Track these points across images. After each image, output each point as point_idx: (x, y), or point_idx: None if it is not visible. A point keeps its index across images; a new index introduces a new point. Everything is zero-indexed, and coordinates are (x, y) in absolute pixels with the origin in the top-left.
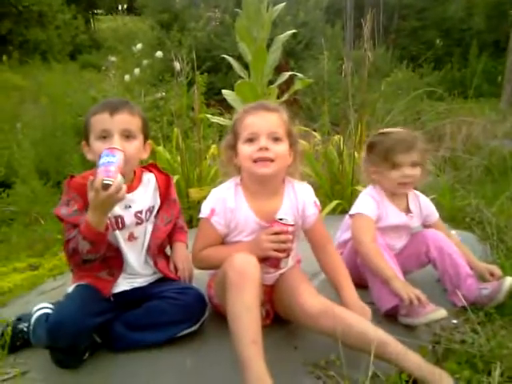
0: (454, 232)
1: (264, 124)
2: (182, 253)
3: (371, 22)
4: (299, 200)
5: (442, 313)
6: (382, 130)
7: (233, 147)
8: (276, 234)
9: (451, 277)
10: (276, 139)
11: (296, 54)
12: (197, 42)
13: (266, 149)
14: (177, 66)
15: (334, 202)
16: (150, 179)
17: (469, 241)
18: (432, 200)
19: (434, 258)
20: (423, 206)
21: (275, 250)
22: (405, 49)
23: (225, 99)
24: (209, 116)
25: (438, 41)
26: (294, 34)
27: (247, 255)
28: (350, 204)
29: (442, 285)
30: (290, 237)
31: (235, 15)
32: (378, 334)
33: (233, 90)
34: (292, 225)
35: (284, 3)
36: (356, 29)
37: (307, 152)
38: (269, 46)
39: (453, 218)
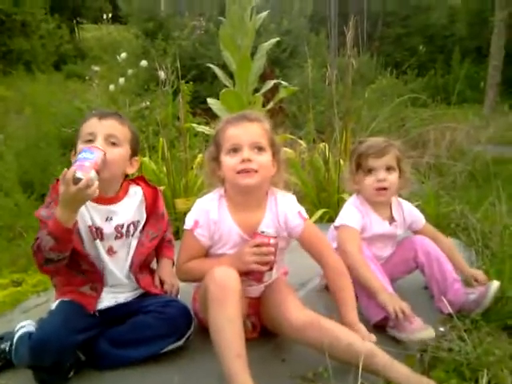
0: None
1: (246, 135)
2: (168, 269)
3: (355, 30)
4: (280, 212)
5: (429, 333)
6: (360, 139)
7: (216, 159)
8: (258, 246)
9: (438, 282)
10: (259, 149)
11: (281, 62)
12: (182, 50)
13: (249, 160)
14: (161, 75)
15: (321, 211)
16: (136, 192)
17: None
18: (417, 207)
19: (421, 263)
20: (407, 213)
21: (258, 263)
22: (389, 56)
23: (211, 108)
24: (194, 125)
25: (421, 47)
26: (278, 42)
27: (227, 269)
28: (337, 212)
29: (430, 291)
30: (272, 249)
31: (220, 23)
32: (365, 346)
33: (218, 99)
34: (274, 237)
35: (267, 11)
36: (340, 36)
37: (293, 160)
38: (253, 54)
39: (438, 224)
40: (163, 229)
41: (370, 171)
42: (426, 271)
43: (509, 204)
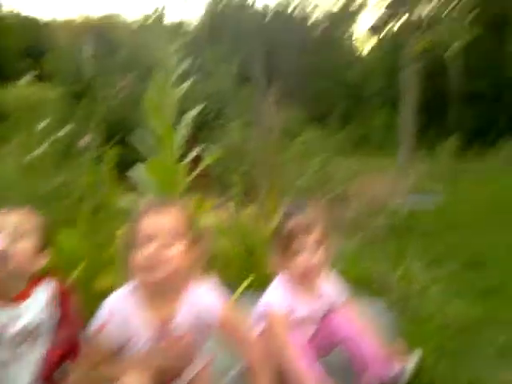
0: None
1: (155, 228)
2: None
3: (280, 87)
4: (196, 305)
5: None
6: (283, 217)
7: (129, 250)
8: (171, 345)
9: (358, 358)
10: (169, 243)
11: (207, 125)
12: (109, 111)
13: (155, 255)
14: (85, 140)
15: (249, 279)
16: (42, 293)
17: (376, 308)
18: (339, 271)
19: (343, 339)
20: (332, 289)
21: (172, 361)
22: (313, 110)
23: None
24: (118, 199)
25: (341, 103)
26: (204, 103)
27: (137, 377)
28: (266, 278)
29: (353, 364)
30: (187, 345)
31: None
32: None
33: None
34: (187, 334)
35: (191, 79)
36: (266, 92)
37: (221, 225)
38: (179, 119)
39: (360, 284)
40: (73, 333)
41: (297, 252)
42: (348, 347)
43: (426, 258)
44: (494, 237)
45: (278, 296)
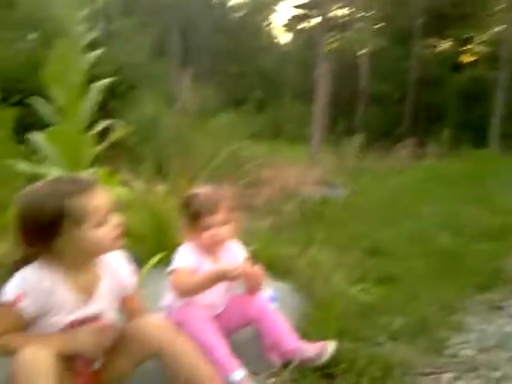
0: (269, 289)
1: (105, 201)
2: None
3: (196, 66)
4: (117, 268)
5: None
6: (190, 192)
7: (66, 231)
8: (98, 330)
9: (270, 336)
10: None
11: (118, 95)
12: (5, 71)
13: (119, 224)
14: None
15: (159, 255)
16: None
17: (283, 292)
18: (251, 251)
19: (253, 317)
20: (235, 251)
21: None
22: (228, 92)
23: None
24: (13, 162)
25: (256, 90)
26: (115, 73)
27: (39, 348)
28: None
29: (261, 342)
30: (111, 335)
31: (49, 48)
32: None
33: (44, 129)
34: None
35: (101, 49)
36: (182, 69)
37: (131, 201)
38: (87, 88)
39: (269, 266)
40: None
41: (204, 228)
42: (258, 324)
43: (332, 245)
44: (393, 229)
45: (183, 256)
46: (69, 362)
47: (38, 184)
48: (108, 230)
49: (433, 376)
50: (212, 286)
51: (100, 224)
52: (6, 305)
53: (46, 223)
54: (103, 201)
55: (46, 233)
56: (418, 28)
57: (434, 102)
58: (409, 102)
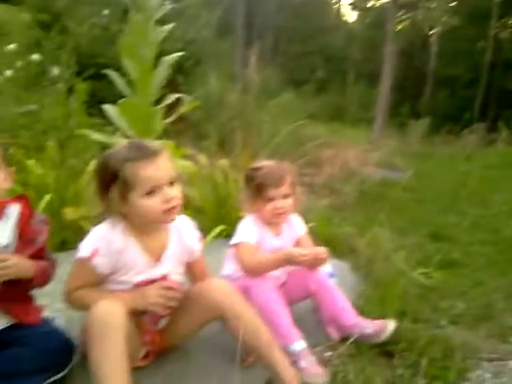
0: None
1: (161, 173)
2: None
3: (260, 43)
4: (183, 234)
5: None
6: (254, 165)
7: (121, 196)
8: (166, 289)
9: (329, 308)
10: (173, 183)
11: (185, 71)
12: (79, 46)
13: (172, 198)
14: (54, 70)
15: (219, 228)
16: (11, 213)
17: (342, 271)
18: (311, 228)
19: (313, 291)
20: (295, 226)
21: (161, 306)
22: (290, 72)
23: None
24: (88, 131)
25: (319, 70)
26: (183, 49)
27: (112, 303)
28: (235, 229)
29: (320, 317)
30: (178, 295)
31: (122, 23)
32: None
33: (116, 102)
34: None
35: (172, 24)
36: (246, 48)
37: (194, 174)
38: (156, 63)
39: (328, 245)
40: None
41: (267, 200)
42: (318, 298)
43: (392, 227)
44: (458, 215)
45: (246, 230)
46: (137, 319)
47: (118, 146)
48: (158, 202)
49: (498, 362)
50: (277, 268)
51: (150, 194)
52: (82, 260)
53: (106, 182)
54: (160, 172)
55: (105, 191)
56: (496, 7)
57: (507, 86)
58: (480, 85)
